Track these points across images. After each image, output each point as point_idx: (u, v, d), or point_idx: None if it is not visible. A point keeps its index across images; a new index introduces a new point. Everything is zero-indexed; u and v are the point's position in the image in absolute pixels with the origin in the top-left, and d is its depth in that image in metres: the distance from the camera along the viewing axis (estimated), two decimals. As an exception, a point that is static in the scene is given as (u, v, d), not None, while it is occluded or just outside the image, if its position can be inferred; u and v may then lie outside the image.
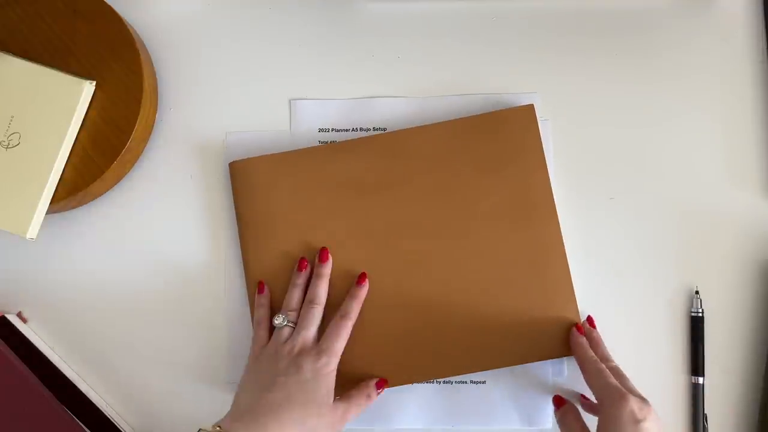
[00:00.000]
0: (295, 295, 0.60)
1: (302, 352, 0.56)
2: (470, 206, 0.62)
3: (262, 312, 0.61)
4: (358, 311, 0.60)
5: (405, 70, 0.66)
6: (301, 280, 0.61)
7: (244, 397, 0.56)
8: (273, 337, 0.59)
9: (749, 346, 0.62)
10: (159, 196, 0.66)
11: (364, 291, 0.60)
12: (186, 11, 0.67)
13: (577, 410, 0.59)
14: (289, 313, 0.59)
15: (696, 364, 0.62)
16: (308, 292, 0.60)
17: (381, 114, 0.65)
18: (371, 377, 0.60)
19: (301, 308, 0.60)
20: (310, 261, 0.62)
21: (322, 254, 0.61)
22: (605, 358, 0.58)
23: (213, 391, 0.64)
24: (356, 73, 0.66)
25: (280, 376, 0.54)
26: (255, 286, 0.62)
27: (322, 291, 0.60)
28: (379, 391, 0.59)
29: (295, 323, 0.59)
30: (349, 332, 0.58)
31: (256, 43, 0.67)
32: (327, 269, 0.61)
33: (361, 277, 0.61)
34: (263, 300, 0.61)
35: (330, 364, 0.56)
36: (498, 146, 0.63)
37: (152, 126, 0.65)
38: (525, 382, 0.62)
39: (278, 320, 0.59)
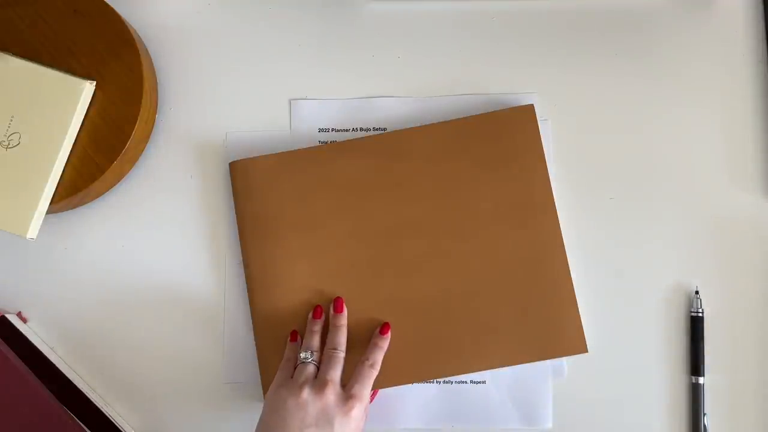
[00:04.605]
0: (314, 339, 0.59)
1: (331, 399, 0.54)
2: (470, 206, 0.62)
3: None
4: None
5: (405, 70, 0.66)
6: (317, 327, 0.60)
7: None
8: (297, 373, 0.57)
9: (749, 346, 0.62)
10: (159, 196, 0.66)
11: (387, 341, 0.60)
12: (186, 11, 0.67)
13: None
14: (313, 352, 0.58)
15: (696, 364, 0.62)
16: (328, 340, 0.59)
17: (381, 114, 0.65)
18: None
19: (321, 350, 0.59)
20: (324, 309, 0.61)
21: (337, 305, 0.61)
22: None
23: (212, 391, 0.64)
24: (356, 73, 0.66)
25: (310, 428, 0.53)
26: (254, 286, 0.62)
27: (342, 339, 0.59)
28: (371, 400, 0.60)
29: (318, 363, 0.58)
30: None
31: (256, 43, 0.67)
32: (344, 320, 0.60)
33: (384, 328, 0.60)
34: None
35: (360, 411, 0.55)
36: (498, 146, 0.63)
37: (152, 126, 0.65)
38: (525, 382, 0.62)
39: (305, 354, 0.58)
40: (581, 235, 0.63)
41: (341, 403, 0.54)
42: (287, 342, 0.60)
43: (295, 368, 0.57)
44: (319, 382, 0.55)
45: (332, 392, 0.55)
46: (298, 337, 0.61)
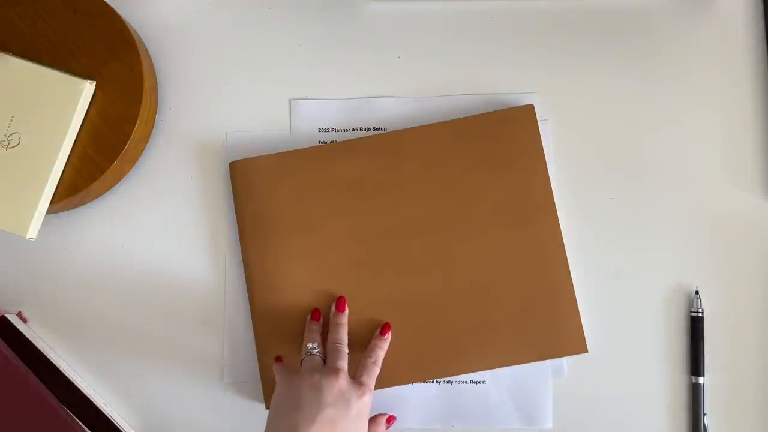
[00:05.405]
0: (316, 334, 0.59)
1: (344, 383, 0.54)
2: (470, 206, 0.62)
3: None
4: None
5: (405, 70, 0.66)
6: (315, 326, 0.60)
7: (277, 423, 0.54)
8: (305, 364, 0.57)
9: (749, 346, 0.62)
10: (159, 196, 0.65)
11: (387, 342, 0.60)
12: (186, 11, 0.67)
13: None
14: (318, 344, 0.58)
15: (696, 364, 0.62)
16: (330, 336, 0.59)
17: (381, 114, 0.65)
18: (381, 413, 0.61)
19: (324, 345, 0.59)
20: (322, 308, 0.61)
21: (339, 304, 0.61)
22: None
23: (213, 391, 0.64)
24: (356, 73, 0.66)
25: (328, 408, 0.53)
26: (254, 286, 0.62)
27: (344, 337, 0.59)
28: (388, 425, 0.61)
29: (323, 357, 0.58)
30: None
31: (256, 43, 0.67)
32: (345, 319, 0.60)
33: (384, 329, 0.60)
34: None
35: (370, 400, 0.56)
36: (498, 146, 0.63)
37: (152, 126, 0.65)
38: (525, 382, 0.62)
39: (312, 345, 0.58)
40: (581, 235, 0.63)
41: (355, 388, 0.55)
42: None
43: (301, 363, 0.57)
44: (328, 369, 0.55)
45: (345, 378, 0.55)
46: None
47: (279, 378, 0.57)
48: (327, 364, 0.57)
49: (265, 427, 0.54)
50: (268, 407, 0.61)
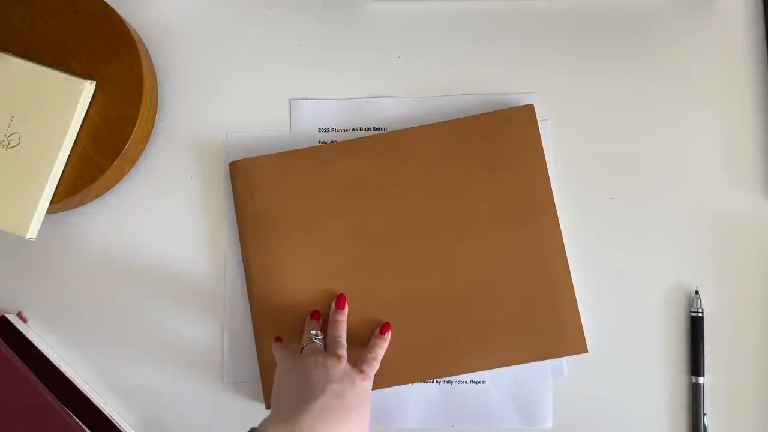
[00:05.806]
0: (315, 329, 0.60)
1: (347, 366, 0.55)
2: (470, 206, 0.62)
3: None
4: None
5: (405, 70, 0.66)
6: (315, 324, 0.60)
7: (284, 397, 0.54)
8: (306, 350, 0.57)
9: (749, 346, 0.62)
10: (159, 196, 0.66)
11: (386, 342, 0.60)
12: (186, 11, 0.67)
13: None
14: (318, 332, 0.59)
15: (696, 364, 0.62)
16: (330, 332, 0.59)
17: (381, 114, 0.65)
18: None
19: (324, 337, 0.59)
20: (322, 309, 0.61)
21: (339, 302, 0.61)
22: None
23: (213, 390, 0.64)
24: (356, 73, 0.66)
25: (336, 383, 0.53)
26: (254, 286, 0.62)
27: (343, 332, 0.59)
28: None
29: (324, 346, 0.58)
30: None
31: (256, 43, 0.67)
32: (344, 316, 0.60)
33: (384, 328, 0.61)
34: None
35: (370, 389, 0.56)
36: (498, 146, 0.63)
37: (152, 126, 0.65)
38: (525, 382, 0.62)
39: (315, 331, 0.58)
40: (581, 235, 0.63)
41: (357, 372, 0.55)
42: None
43: (302, 350, 0.58)
44: (330, 353, 0.56)
45: (345, 363, 0.55)
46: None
47: (280, 356, 0.57)
48: (328, 351, 0.57)
49: (272, 404, 0.54)
50: (268, 407, 0.61)
